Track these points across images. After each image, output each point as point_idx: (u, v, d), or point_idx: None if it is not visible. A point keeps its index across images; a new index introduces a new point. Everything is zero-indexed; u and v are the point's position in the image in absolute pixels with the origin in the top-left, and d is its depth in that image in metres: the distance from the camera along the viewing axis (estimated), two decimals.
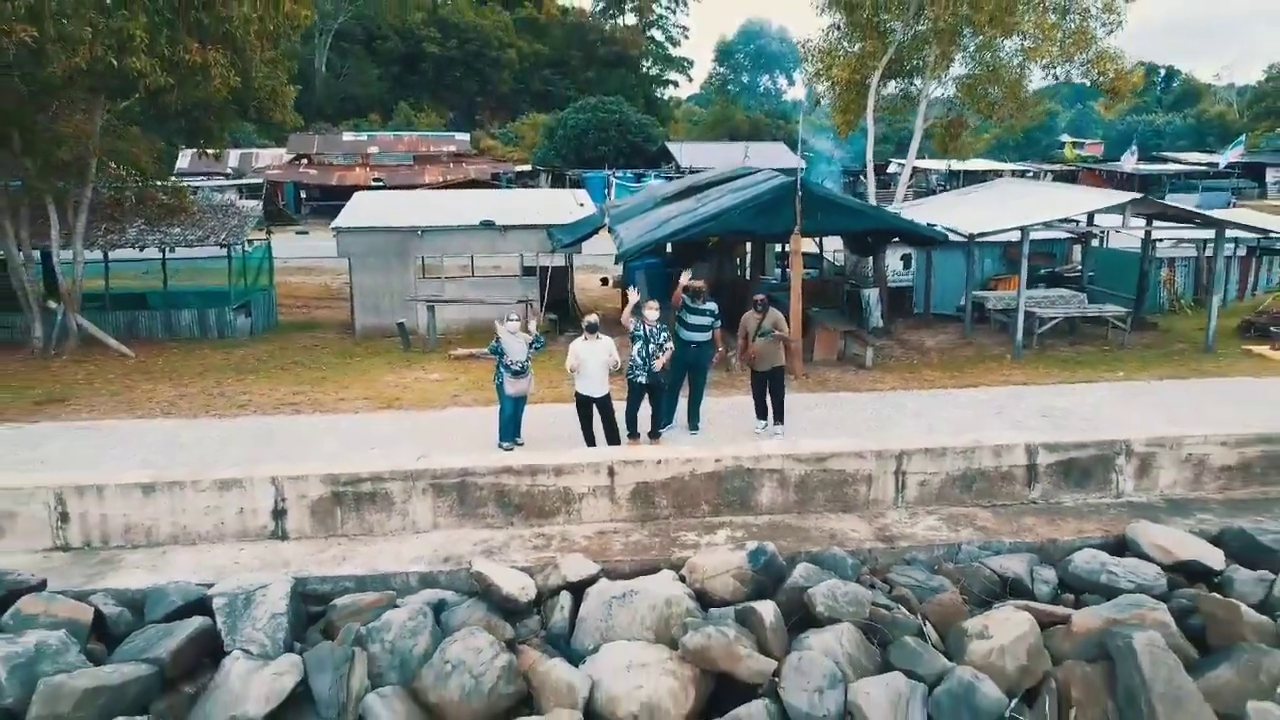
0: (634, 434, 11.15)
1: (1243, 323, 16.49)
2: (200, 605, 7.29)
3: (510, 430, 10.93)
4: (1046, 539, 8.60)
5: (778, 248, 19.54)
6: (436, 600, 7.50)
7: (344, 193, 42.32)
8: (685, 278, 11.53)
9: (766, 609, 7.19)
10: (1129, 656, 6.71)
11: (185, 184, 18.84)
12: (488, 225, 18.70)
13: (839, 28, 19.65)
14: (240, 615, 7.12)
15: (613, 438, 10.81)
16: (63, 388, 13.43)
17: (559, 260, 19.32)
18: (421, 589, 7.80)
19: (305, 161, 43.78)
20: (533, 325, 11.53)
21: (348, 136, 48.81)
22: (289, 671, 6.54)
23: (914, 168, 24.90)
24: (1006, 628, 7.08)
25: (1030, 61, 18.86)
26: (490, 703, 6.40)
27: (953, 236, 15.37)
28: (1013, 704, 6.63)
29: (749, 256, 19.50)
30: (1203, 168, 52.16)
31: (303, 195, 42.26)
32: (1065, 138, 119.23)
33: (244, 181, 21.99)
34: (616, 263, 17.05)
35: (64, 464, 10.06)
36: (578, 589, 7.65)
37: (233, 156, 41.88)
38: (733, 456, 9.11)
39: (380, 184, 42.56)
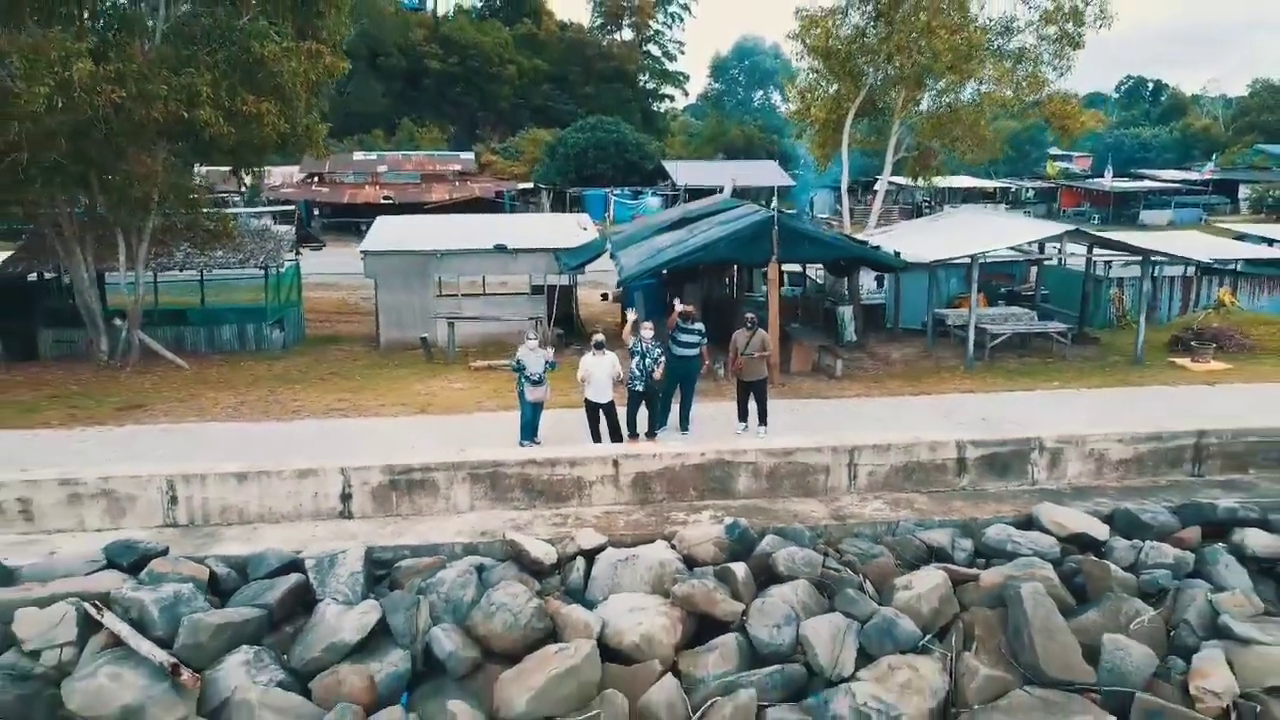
0: (634, 434, 13.16)
1: (1172, 338, 18.54)
2: (294, 566, 9.26)
3: (529, 431, 12.94)
4: (969, 517, 10.59)
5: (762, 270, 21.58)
6: (478, 563, 9.47)
7: (355, 210, 44.50)
8: (679, 305, 13.57)
9: (739, 568, 9.21)
10: (1017, 602, 8.71)
11: (228, 212, 20.79)
12: (500, 249, 20.74)
13: (817, 70, 21.79)
14: (327, 573, 9.10)
15: (616, 437, 12.83)
16: (137, 396, 15.41)
17: (564, 279, 21.36)
18: (465, 555, 9.77)
19: (317, 180, 45.83)
20: (549, 351, 13.51)
21: (358, 156, 50.84)
22: (371, 612, 8.54)
23: (902, 185, 26.81)
24: (925, 582, 9.08)
25: (987, 104, 20.97)
26: (525, 634, 8.39)
27: (915, 262, 17.43)
28: (927, 638, 8.64)
29: (736, 277, 21.54)
30: (1176, 184, 54.33)
31: (315, 212, 44.30)
32: (1054, 150, 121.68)
33: (276, 209, 23.94)
34: (618, 286, 19.08)
35: (158, 460, 12.02)
36: (590, 555, 9.63)
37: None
38: (715, 451, 11.14)
39: (390, 201, 44.64)
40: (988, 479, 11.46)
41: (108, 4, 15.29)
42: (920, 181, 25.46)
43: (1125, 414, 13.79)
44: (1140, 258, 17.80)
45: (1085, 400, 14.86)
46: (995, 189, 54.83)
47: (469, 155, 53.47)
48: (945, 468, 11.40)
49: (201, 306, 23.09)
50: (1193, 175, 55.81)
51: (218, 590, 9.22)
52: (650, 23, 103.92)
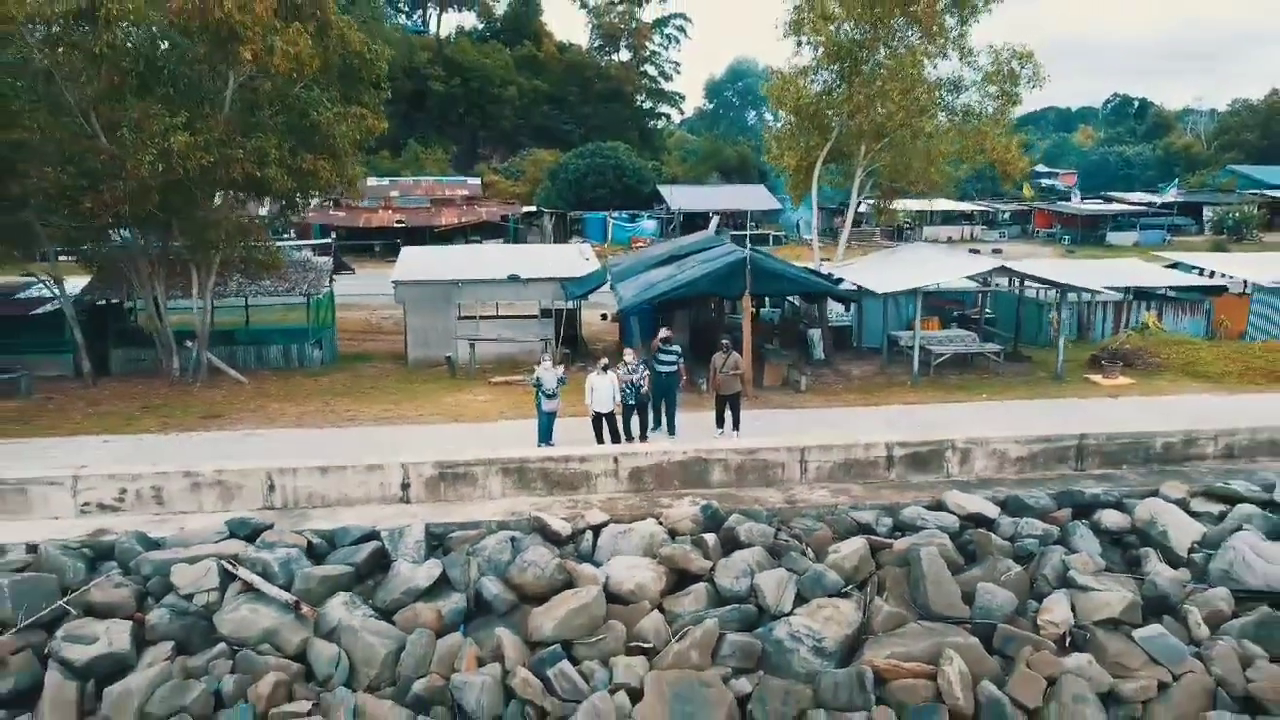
0: (630, 437, 16.12)
1: (1091, 357, 21.49)
2: (372, 536, 12.19)
3: (546, 435, 15.87)
4: (893, 502, 13.54)
5: None
6: (511, 535, 12.38)
7: (369, 234, 47.47)
8: (662, 331, 16.56)
9: (710, 537, 12.14)
10: (917, 560, 11.64)
11: (277, 244, 23.68)
12: (514, 279, 23.73)
13: (790, 123, 24.79)
14: (397, 542, 12.02)
15: (615, 439, 15.78)
16: (214, 407, 18.34)
17: (569, 304, 24.33)
18: (499, 530, 12.68)
19: (333, 204, 48.77)
20: (561, 369, 16.45)
21: (371, 181, 53.83)
22: (435, 567, 11.48)
23: (887, 207, 29.73)
24: (850, 547, 12.01)
25: (936, 154, 23.95)
26: (550, 583, 11.30)
27: (869, 291, 20.42)
28: (848, 586, 11.58)
29: (719, 303, 24.49)
30: (1142, 207, 57.42)
31: (332, 235, 47.21)
32: (1040, 167, 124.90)
33: (314, 242, 26.92)
34: (618, 313, 22.05)
35: (250, 458, 14.93)
36: (596, 529, 12.56)
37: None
38: (694, 450, 14.11)
39: (402, 225, 47.67)
40: (911, 472, 14.43)
41: (185, 81, 18.17)
42: (883, 219, 28.39)
43: (1038, 421, 16.70)
44: (1059, 288, 20.80)
45: (1006, 410, 17.82)
46: (973, 211, 57.82)
47: (475, 180, 56.56)
48: (877, 463, 14.38)
49: (247, 327, 26.02)
50: (1155, 198, 58.84)
51: (312, 555, 12.11)
52: (647, 44, 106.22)
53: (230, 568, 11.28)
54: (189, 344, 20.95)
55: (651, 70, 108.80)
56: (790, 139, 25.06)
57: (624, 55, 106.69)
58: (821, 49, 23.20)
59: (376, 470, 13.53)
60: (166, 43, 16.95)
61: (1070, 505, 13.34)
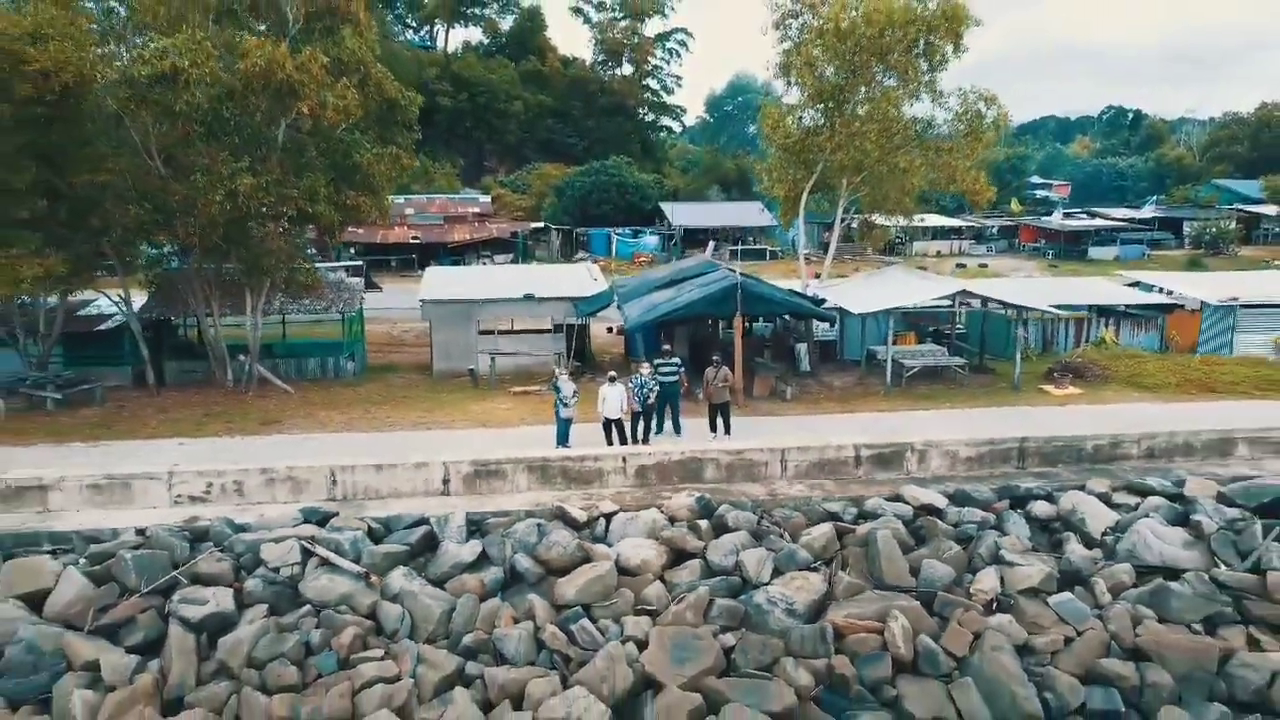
0: (636, 440, 18.56)
1: (1047, 370, 23.95)
2: (422, 522, 14.65)
3: (563, 439, 18.34)
4: (859, 495, 15.99)
5: None
6: (538, 522, 14.84)
7: (387, 249, 49.96)
8: (664, 347, 19.05)
9: (703, 523, 14.60)
10: (874, 541, 14.09)
11: (318, 268, 26.12)
12: (529, 298, 26.22)
13: (779, 157, 27.29)
14: (443, 527, 14.49)
15: (624, 442, 18.25)
16: (269, 414, 20.81)
17: (580, 320, 26.80)
18: (527, 517, 15.15)
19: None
20: (574, 384, 18.91)
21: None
22: (476, 546, 13.95)
23: (874, 224, 32.09)
24: (820, 531, 14.46)
25: (911, 187, 26.45)
26: (570, 559, 13.75)
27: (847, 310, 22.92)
28: (816, 562, 14.04)
29: (715, 321, 27.00)
30: (1123, 222, 59.92)
31: (351, 250, 49.80)
32: (1035, 178, 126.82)
33: (347, 264, 29.41)
34: (626, 331, 24.53)
35: (310, 458, 17.38)
36: (609, 516, 15.01)
37: None
38: (691, 451, 16.59)
39: (417, 240, 50.20)
40: (876, 470, 16.90)
41: (246, 129, 20.68)
42: (869, 240, 30.89)
43: (992, 426, 19.11)
44: (1015, 308, 23.32)
45: (965, 417, 20.27)
46: (963, 226, 60.32)
47: (486, 198, 59.20)
48: (847, 462, 16.86)
49: (284, 341, 28.51)
50: (1135, 213, 61.35)
51: (372, 537, 14.59)
52: (649, 59, 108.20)
53: (309, 546, 13.76)
54: (241, 357, 23.43)
55: (654, 84, 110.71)
56: (780, 170, 27.60)
57: (626, 69, 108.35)
58: (807, 92, 25.76)
59: (422, 468, 16.03)
60: (232, 99, 19.50)
61: (1008, 497, 15.80)
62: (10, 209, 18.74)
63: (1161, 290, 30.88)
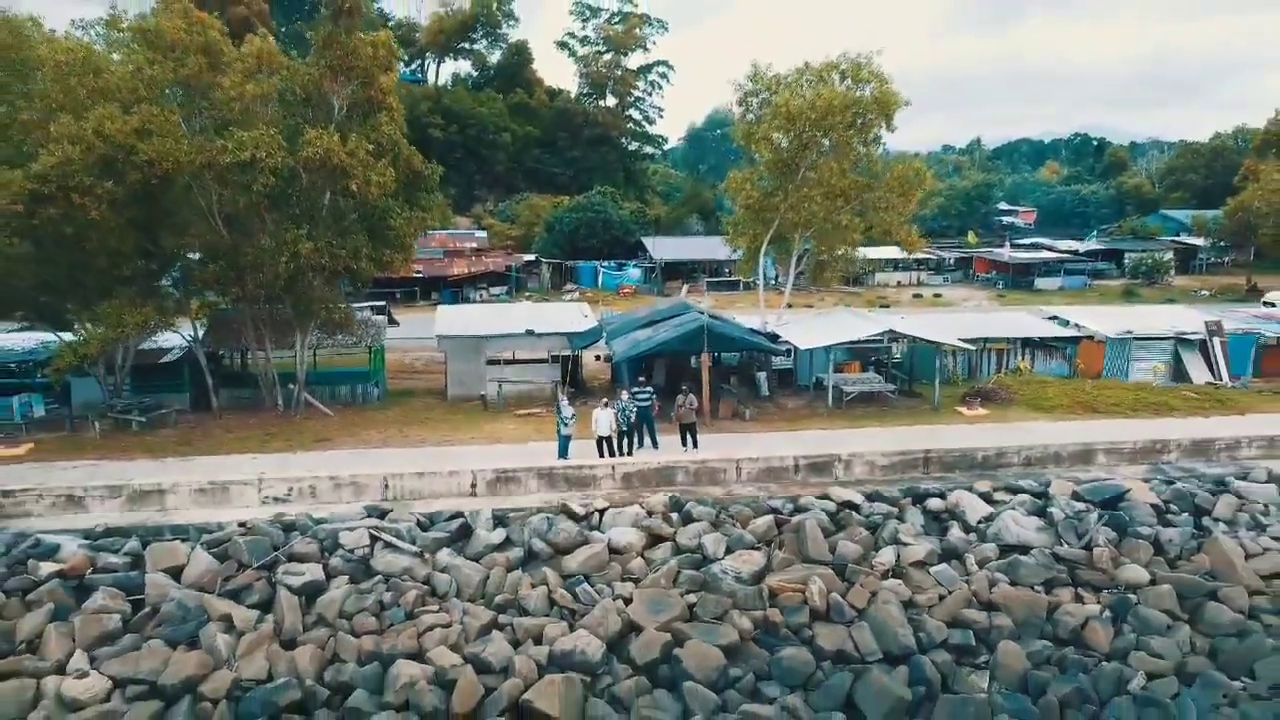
0: (622, 452, 23.09)
1: (964, 394, 28.65)
2: (458, 515, 19.12)
3: (564, 452, 22.82)
4: (796, 494, 20.57)
5: None
6: (548, 515, 19.33)
7: (390, 282, 54.24)
8: (640, 379, 23.65)
9: (674, 516, 19.16)
10: (803, 528, 18.65)
11: (350, 307, 30.47)
12: (530, 333, 30.74)
13: (743, 214, 32.02)
14: (475, 519, 18.97)
15: (613, 454, 22.78)
16: (319, 433, 25.15)
17: (573, 352, 31.32)
18: (539, 512, 19.63)
19: None
20: (573, 409, 23.44)
21: None
22: (502, 533, 18.45)
23: (825, 265, 36.68)
24: (763, 520, 19.03)
25: (851, 239, 31.29)
26: (573, 542, 18.25)
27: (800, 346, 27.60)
28: (760, 544, 18.60)
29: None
30: (1066, 254, 65.12)
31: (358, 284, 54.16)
32: (1002, 204, 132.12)
33: (372, 303, 33.80)
34: (612, 364, 29.08)
35: (364, 467, 21.79)
36: (602, 511, 19.52)
37: None
38: (666, 461, 21.16)
39: (420, 275, 54.65)
40: (810, 476, 21.51)
41: (302, 201, 25.21)
42: (823, 279, 35.59)
43: (911, 440, 23.72)
44: (932, 344, 28.12)
45: (890, 433, 24.91)
46: (922, 258, 65.19)
47: (482, 234, 63.83)
48: (788, 470, 21.46)
49: (316, 370, 32.85)
50: (1078, 246, 66.71)
51: (420, 527, 19.03)
52: (632, 91, 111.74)
53: (375, 533, 18.21)
54: (291, 385, 27.81)
55: (636, 114, 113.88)
56: (744, 225, 32.36)
57: (610, 101, 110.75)
58: (764, 160, 30.56)
59: (455, 475, 20.54)
60: (294, 178, 23.99)
61: (911, 496, 20.43)
62: (118, 268, 23.16)
63: (1071, 324, 35.66)
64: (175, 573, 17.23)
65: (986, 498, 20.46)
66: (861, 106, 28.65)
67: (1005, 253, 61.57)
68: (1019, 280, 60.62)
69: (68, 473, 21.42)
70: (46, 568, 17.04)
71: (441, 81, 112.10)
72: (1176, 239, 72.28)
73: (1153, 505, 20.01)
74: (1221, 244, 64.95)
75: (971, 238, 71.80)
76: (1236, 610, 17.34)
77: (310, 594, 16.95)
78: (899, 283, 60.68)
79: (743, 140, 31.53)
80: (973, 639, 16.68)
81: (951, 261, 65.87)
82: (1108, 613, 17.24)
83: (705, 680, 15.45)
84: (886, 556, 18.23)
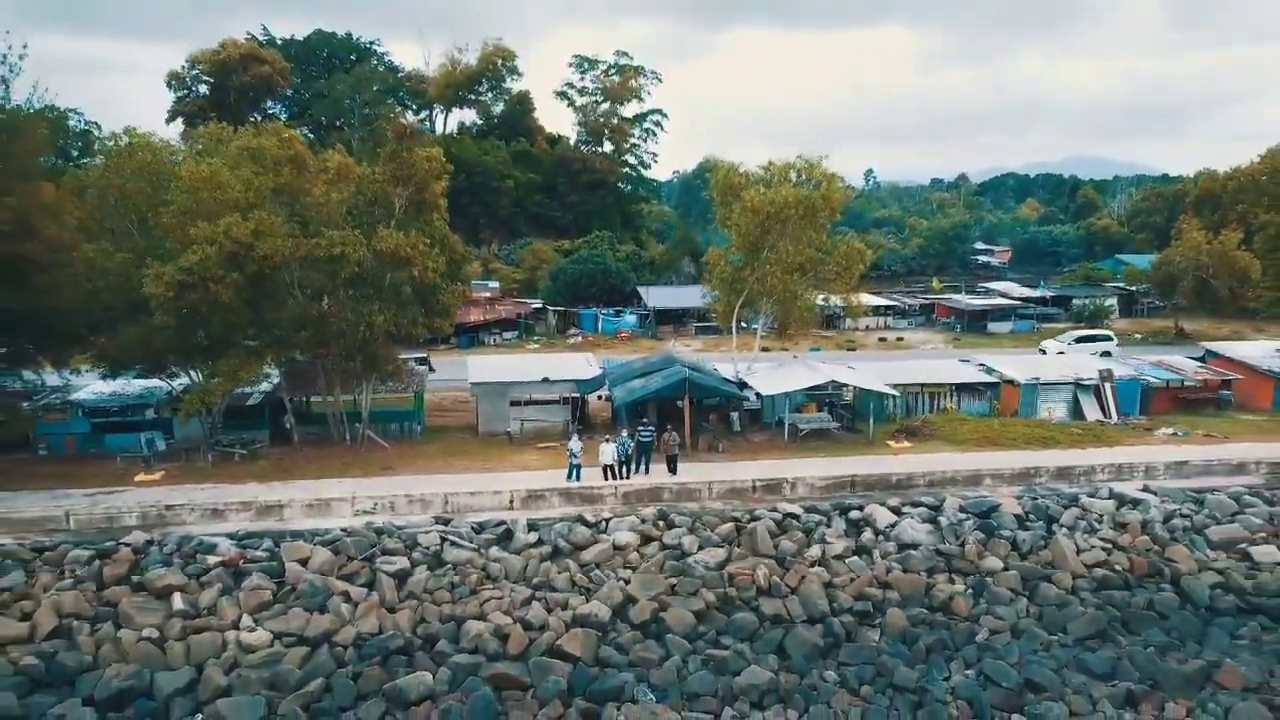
0: (622, 477, 29.98)
1: (895, 430, 35.55)
2: (502, 523, 26.01)
3: (574, 477, 29.67)
4: (753, 507, 27.44)
5: None
6: (568, 523, 26.17)
7: None
8: (642, 419, 30.66)
9: (662, 523, 26.08)
10: (755, 531, 25.53)
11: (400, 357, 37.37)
12: (546, 380, 37.71)
13: (719, 285, 39.30)
14: (515, 525, 25.85)
15: (615, 478, 29.67)
16: (383, 462, 31.95)
17: (581, 396, 38.29)
18: (561, 521, 26.47)
19: None
20: (581, 444, 30.38)
21: None
22: (535, 534, 25.37)
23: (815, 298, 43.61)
24: (726, 526, 25.92)
25: (806, 305, 38.57)
26: (587, 542, 25.09)
27: (764, 393, 34.65)
28: (723, 543, 25.49)
29: None
30: (1018, 301, 72.37)
31: None
32: (979, 244, 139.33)
33: (415, 355, 40.84)
34: (613, 407, 36.06)
35: (428, 488, 28.61)
36: (608, 520, 26.44)
37: None
38: (656, 483, 28.14)
39: None
40: (765, 494, 28.45)
41: (373, 280, 32.29)
42: (788, 331, 42.71)
43: (847, 467, 30.57)
44: (867, 390, 35.17)
45: (831, 461, 31.83)
46: (887, 307, 72.37)
47: (495, 284, 70.99)
48: (748, 489, 28.42)
49: (369, 409, 39.71)
50: (1030, 292, 74.30)
51: (475, 531, 25.92)
52: (628, 138, 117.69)
53: (443, 535, 25.10)
54: (358, 425, 34.68)
55: (632, 160, 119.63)
56: (721, 293, 39.66)
57: (607, 148, 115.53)
58: (735, 242, 37.90)
59: (498, 493, 27.49)
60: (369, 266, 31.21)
61: (838, 508, 27.37)
62: (236, 335, 30.22)
63: (995, 372, 42.68)
64: (303, 562, 24.02)
65: (895, 510, 27.40)
66: (811, 202, 35.94)
67: (962, 300, 68.82)
68: (974, 324, 67.77)
69: (204, 493, 28.22)
70: (212, 560, 23.86)
71: (448, 130, 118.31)
72: (1119, 285, 79.66)
73: (1016, 515, 27.00)
74: (1150, 293, 72.39)
75: (935, 283, 78.94)
76: (1062, 589, 24.31)
77: (401, 577, 23.76)
78: (867, 326, 67.75)
79: (720, 223, 38.77)
80: (870, 608, 23.57)
81: (916, 307, 73.05)
82: (970, 590, 24.17)
83: (682, 633, 22.32)
84: (815, 552, 25.14)
